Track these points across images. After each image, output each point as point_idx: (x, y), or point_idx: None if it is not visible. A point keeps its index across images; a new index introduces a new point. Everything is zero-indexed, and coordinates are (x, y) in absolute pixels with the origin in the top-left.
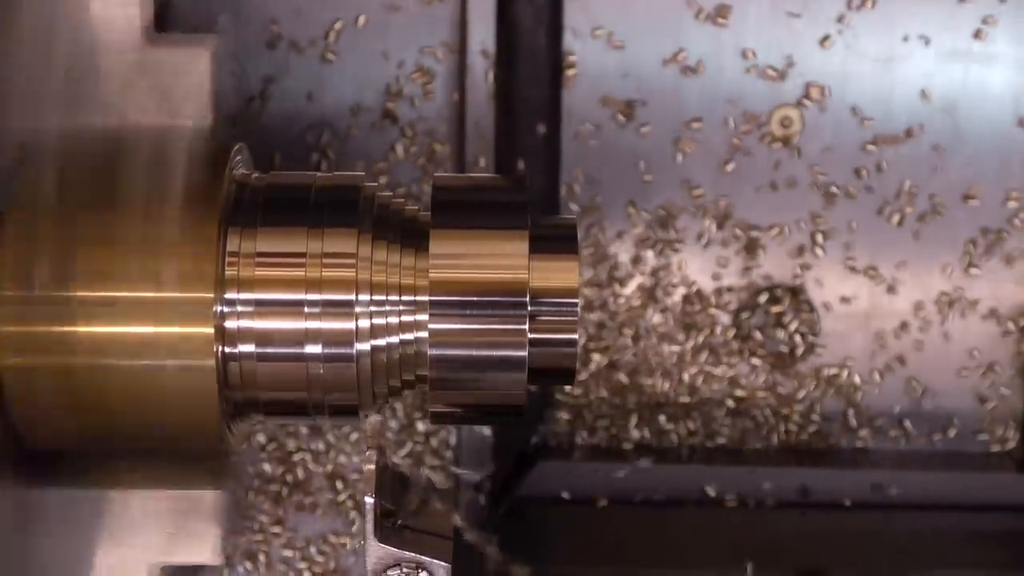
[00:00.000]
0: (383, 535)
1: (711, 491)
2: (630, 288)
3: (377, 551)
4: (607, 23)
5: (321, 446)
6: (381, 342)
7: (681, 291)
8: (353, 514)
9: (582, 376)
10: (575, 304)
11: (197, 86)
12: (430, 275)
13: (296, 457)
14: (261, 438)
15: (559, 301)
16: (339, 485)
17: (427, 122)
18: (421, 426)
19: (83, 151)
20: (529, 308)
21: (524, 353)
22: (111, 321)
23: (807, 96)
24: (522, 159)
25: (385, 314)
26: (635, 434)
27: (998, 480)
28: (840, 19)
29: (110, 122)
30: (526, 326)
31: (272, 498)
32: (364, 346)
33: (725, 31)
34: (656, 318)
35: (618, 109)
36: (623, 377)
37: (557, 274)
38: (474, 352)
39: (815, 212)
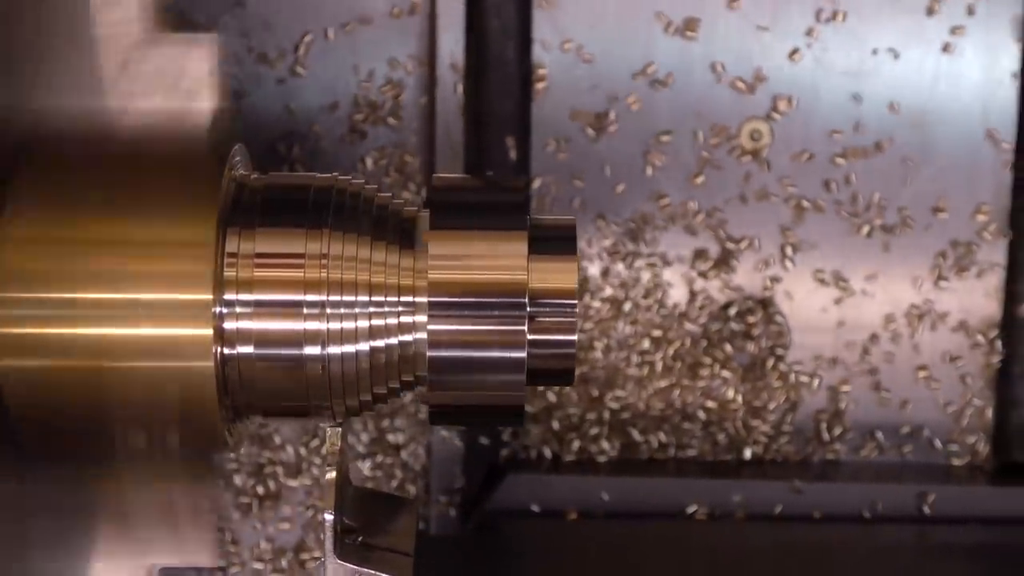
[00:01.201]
0: (343, 552)
1: (682, 504)
2: (600, 300)
3: (336, 569)
4: (576, 36)
5: (292, 458)
6: (380, 343)
7: (651, 303)
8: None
9: (552, 389)
10: (574, 305)
11: (198, 84)
12: (429, 276)
13: (267, 469)
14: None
15: (558, 302)
16: (310, 498)
17: (397, 134)
18: (391, 438)
19: (82, 152)
20: (528, 309)
21: (523, 354)
22: (110, 322)
23: (776, 109)
24: (492, 171)
25: (384, 315)
26: (606, 446)
27: (970, 492)
28: (809, 32)
29: (109, 123)
30: (525, 327)
31: (243, 510)
32: (363, 347)
33: (694, 44)
34: (626, 330)
35: (587, 122)
36: (593, 389)
37: (556, 275)
38: (473, 353)
39: (785, 225)
